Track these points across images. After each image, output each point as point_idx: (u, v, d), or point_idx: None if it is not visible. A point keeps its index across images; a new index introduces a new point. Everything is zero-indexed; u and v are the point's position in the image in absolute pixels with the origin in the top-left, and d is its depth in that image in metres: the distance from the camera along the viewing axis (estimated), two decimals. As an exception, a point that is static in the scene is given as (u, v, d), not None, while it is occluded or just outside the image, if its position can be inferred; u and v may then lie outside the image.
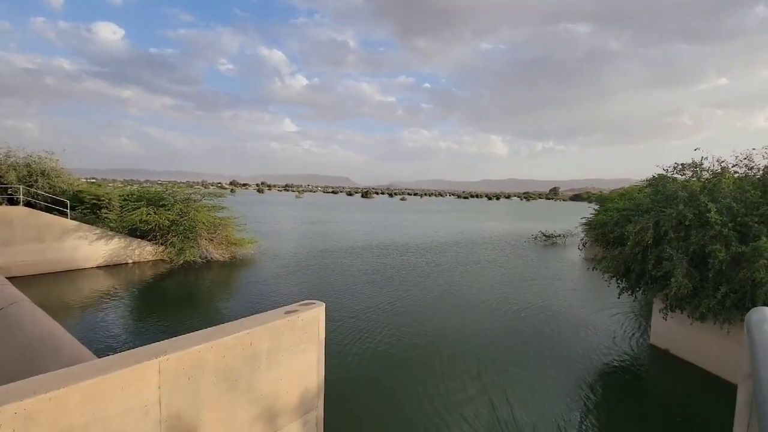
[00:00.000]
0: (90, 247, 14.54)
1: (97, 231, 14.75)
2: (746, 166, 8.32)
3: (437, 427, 5.64)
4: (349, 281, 13.85)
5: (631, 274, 8.50)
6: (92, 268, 14.48)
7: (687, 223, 7.36)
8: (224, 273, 14.99)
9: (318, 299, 4.23)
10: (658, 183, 8.88)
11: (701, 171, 8.45)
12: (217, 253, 16.53)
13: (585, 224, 17.75)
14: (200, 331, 3.27)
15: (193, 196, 17.56)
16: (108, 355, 2.94)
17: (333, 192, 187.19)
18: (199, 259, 15.78)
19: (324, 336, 4.08)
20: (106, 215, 15.78)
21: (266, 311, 3.87)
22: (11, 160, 16.87)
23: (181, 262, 15.19)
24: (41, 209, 14.67)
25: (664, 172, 9.06)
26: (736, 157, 8.40)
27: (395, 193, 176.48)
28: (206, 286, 13.31)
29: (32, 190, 15.85)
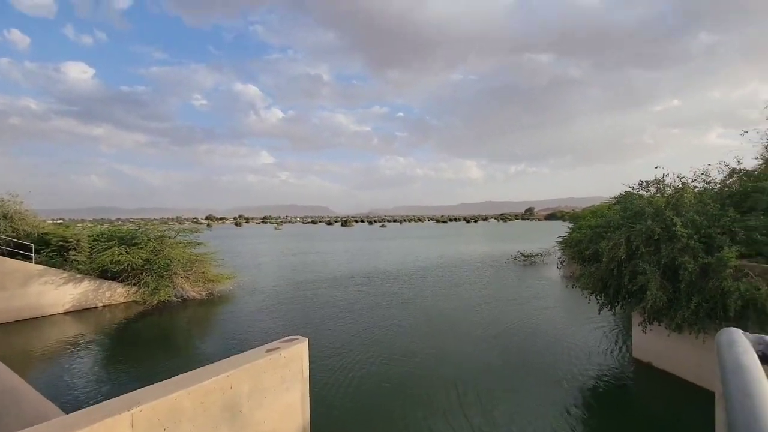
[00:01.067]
0: (56, 292, 13.78)
1: (65, 274, 14.05)
2: (704, 180, 8.82)
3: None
4: (332, 312, 13.57)
5: (609, 290, 8.69)
6: (59, 314, 13.68)
7: (656, 237, 7.65)
8: (201, 311, 14.44)
9: (301, 334, 4.12)
10: (625, 200, 9.27)
11: (664, 187, 8.89)
12: (193, 291, 15.95)
13: (561, 243, 18.17)
14: (176, 377, 3.11)
15: (167, 232, 17.08)
16: (76, 410, 2.75)
17: (312, 222, 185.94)
18: (175, 298, 15.19)
19: (308, 373, 3.95)
20: (74, 257, 15.10)
21: (247, 350, 3.74)
22: (-29, 205, 16.09)
23: (155, 302, 14.58)
24: (4, 255, 13.93)
25: (630, 189, 9.47)
26: (695, 172, 8.92)
27: (375, 221, 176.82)
28: (182, 327, 12.75)
29: (-7, 235, 15.09)
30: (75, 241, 16.07)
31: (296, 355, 3.79)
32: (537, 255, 27.11)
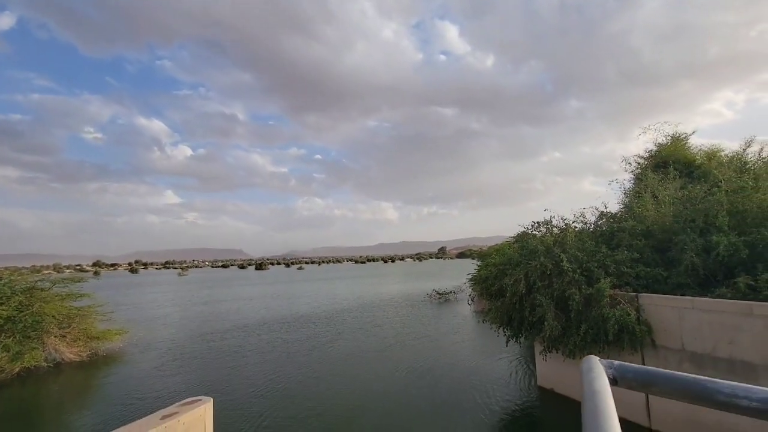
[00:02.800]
0: None
1: None
2: (582, 221, 10.28)
3: None
4: (242, 365, 12.45)
5: (513, 322, 9.39)
6: None
7: (548, 272, 8.59)
8: (80, 376, 12.19)
9: (205, 393, 3.70)
10: (522, 239, 10.32)
11: (552, 227, 10.13)
12: (70, 353, 13.46)
13: (470, 280, 19.32)
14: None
15: (39, 284, 14.47)
16: None
17: (223, 266, 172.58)
18: (44, 363, 12.64)
19: (212, 438, 3.53)
20: None
21: (136, 420, 3.24)
22: None
23: (17, 370, 11.95)
24: None
25: (525, 230, 10.60)
26: (574, 215, 10.35)
27: (292, 263, 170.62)
28: (53, 398, 10.59)
29: None
30: None
31: (198, 419, 3.37)
32: (450, 292, 28.36)
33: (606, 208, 10.57)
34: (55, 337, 13.40)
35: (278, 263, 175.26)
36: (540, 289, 8.61)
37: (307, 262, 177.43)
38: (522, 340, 10.03)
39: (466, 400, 9.11)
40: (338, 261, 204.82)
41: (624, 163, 14.24)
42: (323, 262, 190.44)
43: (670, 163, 11.42)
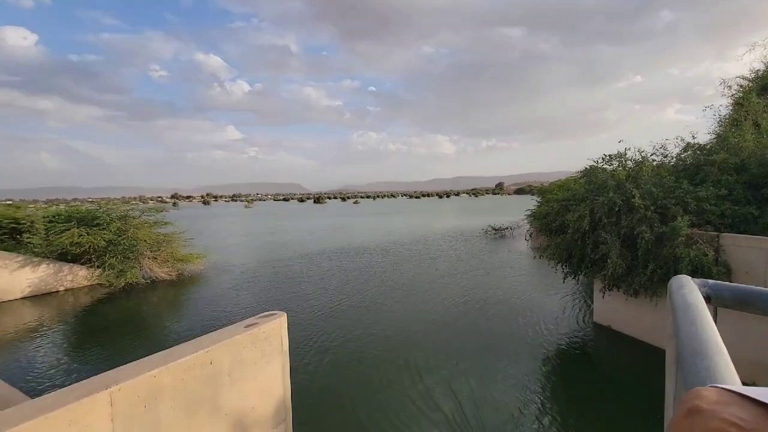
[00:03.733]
0: (11, 277, 13.05)
1: (19, 258, 13.29)
2: (662, 154, 9.29)
3: (398, 427, 5.73)
4: (309, 288, 13.62)
5: (573, 259, 9.15)
6: (17, 299, 13.02)
7: (617, 208, 8.06)
8: (171, 292, 14.13)
9: (278, 309, 4.14)
10: (590, 174, 9.64)
11: (626, 161, 9.30)
12: (162, 272, 15.54)
13: (529, 216, 18.78)
14: (153, 355, 3.09)
15: (130, 212, 16.40)
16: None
17: (284, 199, 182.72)
18: (142, 280, 14.75)
19: (287, 347, 4.01)
20: (28, 240, 14.29)
21: (224, 327, 3.73)
22: None
23: (122, 284, 14.11)
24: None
25: (594, 164, 9.85)
26: (654, 147, 9.36)
27: (348, 197, 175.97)
28: (153, 309, 12.47)
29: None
30: (28, 223, 15.18)
31: (275, 329, 3.82)
32: (507, 228, 27.96)
33: (694, 138, 9.41)
34: (148, 258, 15.43)
35: (335, 197, 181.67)
36: (606, 226, 8.17)
37: (362, 197, 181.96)
38: (580, 277, 9.82)
39: (521, 331, 9.35)
40: (393, 196, 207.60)
41: (722, 86, 12.31)
42: (378, 196, 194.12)
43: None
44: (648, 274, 7.38)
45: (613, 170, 9.27)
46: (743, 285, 0.83)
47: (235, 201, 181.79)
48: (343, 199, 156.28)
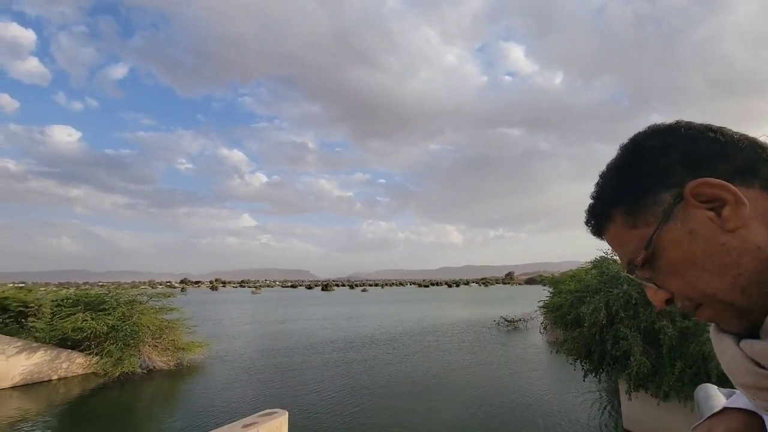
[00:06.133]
0: (6, 364, 12.55)
1: (18, 343, 12.92)
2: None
3: None
4: (313, 381, 12.77)
5: (594, 355, 8.58)
6: (5, 389, 12.35)
7: (633, 301, 7.80)
8: (168, 383, 13.35)
9: (279, 406, 3.88)
10: (601, 264, 9.54)
11: (636, 251, 9.25)
12: (160, 361, 14.84)
13: (542, 307, 18.14)
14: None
15: (138, 297, 16.29)
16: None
17: (292, 286, 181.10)
18: (139, 369, 14.04)
19: (287, 450, 3.67)
20: (32, 324, 14.07)
21: (220, 426, 3.48)
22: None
23: (117, 374, 13.42)
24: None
25: (605, 255, 9.80)
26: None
27: (356, 285, 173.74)
28: (147, 401, 11.70)
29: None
30: (36, 306, 15.10)
31: (275, 430, 3.54)
32: (520, 320, 26.82)
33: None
34: (148, 346, 14.89)
35: (343, 285, 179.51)
36: (623, 320, 7.83)
37: (370, 284, 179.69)
38: (602, 375, 9.10)
39: (539, 437, 8.43)
40: (401, 284, 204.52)
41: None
42: (386, 284, 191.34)
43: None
44: (676, 374, 6.85)
45: (625, 261, 9.17)
46: None
47: (243, 287, 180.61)
48: (351, 287, 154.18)
